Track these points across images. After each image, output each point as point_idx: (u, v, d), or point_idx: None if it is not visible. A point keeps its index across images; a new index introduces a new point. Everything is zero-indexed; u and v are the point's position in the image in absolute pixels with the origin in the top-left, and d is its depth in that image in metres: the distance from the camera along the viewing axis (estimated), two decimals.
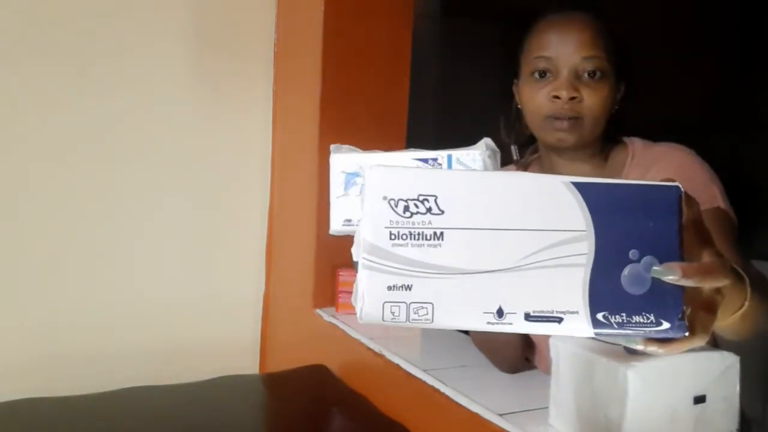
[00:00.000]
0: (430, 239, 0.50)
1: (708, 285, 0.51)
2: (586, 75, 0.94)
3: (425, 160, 0.85)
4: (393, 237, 0.50)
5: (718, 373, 0.78)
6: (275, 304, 1.87)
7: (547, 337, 0.88)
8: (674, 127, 1.02)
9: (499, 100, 1.05)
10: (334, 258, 1.60)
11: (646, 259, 0.50)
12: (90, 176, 1.68)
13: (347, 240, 1.49)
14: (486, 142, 0.71)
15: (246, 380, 1.49)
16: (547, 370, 0.93)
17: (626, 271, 0.50)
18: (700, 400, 0.77)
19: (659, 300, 0.50)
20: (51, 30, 1.62)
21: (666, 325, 0.50)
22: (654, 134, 1.06)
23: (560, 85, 0.94)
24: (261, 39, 1.85)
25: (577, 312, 0.50)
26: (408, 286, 0.50)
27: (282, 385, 1.45)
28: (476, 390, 1.04)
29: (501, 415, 0.95)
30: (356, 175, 0.86)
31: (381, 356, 1.28)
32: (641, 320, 0.50)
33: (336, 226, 0.94)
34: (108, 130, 1.69)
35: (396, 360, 1.23)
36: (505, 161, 1.12)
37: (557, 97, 0.94)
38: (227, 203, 1.85)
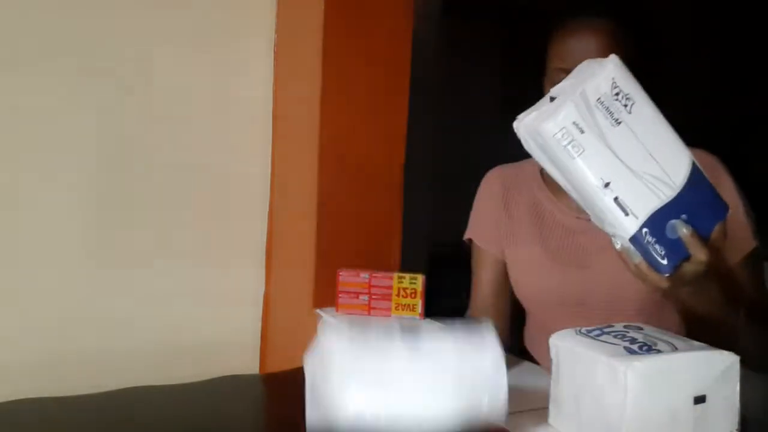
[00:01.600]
0: (614, 123, 0.80)
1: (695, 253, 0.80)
2: None
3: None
4: (597, 106, 0.79)
5: (718, 373, 0.78)
6: (275, 304, 1.87)
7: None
8: (674, 127, 1.02)
9: (515, 104, 1.05)
10: (334, 258, 1.60)
11: (685, 223, 0.79)
12: (88, 176, 1.68)
13: (347, 240, 1.48)
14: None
15: (246, 380, 1.49)
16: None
17: (672, 221, 0.79)
18: (700, 400, 0.77)
19: (674, 250, 0.79)
20: (51, 20, 1.62)
21: (665, 262, 0.80)
22: None
23: None
24: (261, 39, 1.85)
25: (637, 217, 0.79)
26: (582, 130, 0.79)
27: (282, 385, 1.45)
28: None
29: None
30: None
31: None
32: (655, 251, 0.79)
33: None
34: (107, 129, 1.69)
35: None
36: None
37: None
38: (227, 203, 1.85)
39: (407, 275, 1.55)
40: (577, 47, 0.95)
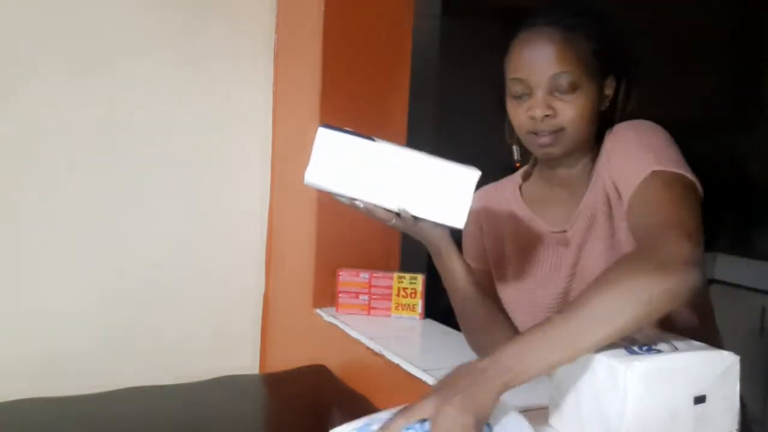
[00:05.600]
0: None
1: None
2: (561, 89, 0.96)
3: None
4: None
5: (718, 373, 0.78)
6: (275, 304, 1.87)
7: None
8: (673, 127, 1.02)
9: (499, 103, 1.06)
10: (334, 258, 1.60)
11: None
12: (89, 176, 1.68)
13: (347, 240, 1.48)
14: None
15: (246, 380, 1.49)
16: None
17: None
18: (700, 400, 0.77)
19: None
20: (51, 40, 1.62)
21: None
22: None
23: (534, 104, 0.96)
24: (261, 39, 1.85)
25: None
26: None
27: (282, 385, 1.45)
28: None
29: None
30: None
31: (381, 356, 1.28)
32: None
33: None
34: (106, 131, 1.69)
35: (396, 360, 1.23)
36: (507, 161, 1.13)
37: (534, 117, 0.97)
38: (227, 203, 1.85)
39: (407, 275, 1.55)
40: (531, 55, 0.97)
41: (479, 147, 1.37)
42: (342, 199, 0.95)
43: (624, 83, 1.03)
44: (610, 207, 0.99)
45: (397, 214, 0.95)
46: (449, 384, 0.72)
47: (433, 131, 2.31)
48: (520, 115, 0.99)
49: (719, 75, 3.07)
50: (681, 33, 2.89)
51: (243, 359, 1.87)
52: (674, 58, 2.82)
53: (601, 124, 1.02)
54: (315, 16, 1.60)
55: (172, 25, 1.74)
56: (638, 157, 0.93)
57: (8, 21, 1.58)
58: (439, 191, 0.91)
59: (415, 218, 0.94)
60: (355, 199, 0.94)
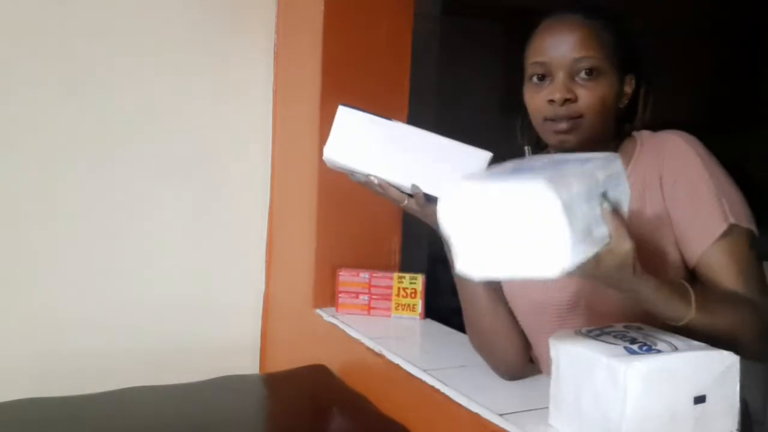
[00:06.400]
0: None
1: None
2: (582, 74, 0.95)
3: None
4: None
5: (718, 373, 0.78)
6: (275, 304, 1.87)
7: (546, 337, 0.88)
8: (674, 126, 1.01)
9: (514, 103, 1.05)
10: (334, 258, 1.60)
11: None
12: (89, 176, 1.68)
13: (347, 240, 1.46)
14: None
15: (246, 380, 1.49)
16: (547, 372, 0.93)
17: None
18: (700, 400, 0.77)
19: None
20: (49, 19, 1.62)
21: None
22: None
23: (555, 88, 0.95)
24: (261, 39, 1.85)
25: None
26: None
27: (282, 385, 1.45)
28: (476, 390, 1.04)
29: (501, 415, 0.95)
30: None
31: (381, 356, 1.28)
32: None
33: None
34: (106, 130, 1.69)
35: (396, 360, 1.23)
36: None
37: (553, 101, 0.95)
38: (227, 203, 1.85)
39: (407, 275, 1.55)
40: (554, 40, 0.97)
41: (479, 146, 1.38)
42: (358, 176, 0.98)
43: (644, 85, 1.02)
44: (640, 219, 0.97)
45: (410, 196, 0.96)
46: (604, 276, 0.78)
47: (433, 131, 2.31)
48: (539, 101, 0.97)
49: (719, 73, 3.07)
50: (682, 33, 2.89)
51: (243, 359, 1.87)
52: (674, 57, 2.82)
53: (618, 123, 1.01)
54: (315, 16, 1.59)
55: (171, 25, 1.74)
56: (712, 202, 0.94)
57: (7, 21, 1.58)
58: (451, 170, 0.92)
59: (428, 198, 0.94)
60: (370, 176, 0.96)
